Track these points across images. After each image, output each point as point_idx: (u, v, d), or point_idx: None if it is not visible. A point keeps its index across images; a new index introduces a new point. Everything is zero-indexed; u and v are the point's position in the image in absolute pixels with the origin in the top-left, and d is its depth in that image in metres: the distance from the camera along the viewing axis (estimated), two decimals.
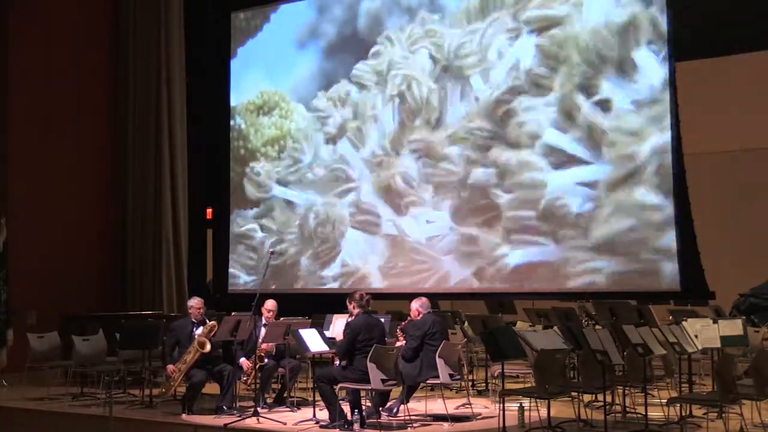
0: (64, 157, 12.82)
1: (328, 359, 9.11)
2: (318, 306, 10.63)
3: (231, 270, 14.46)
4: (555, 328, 8.52)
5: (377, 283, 12.89)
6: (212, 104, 15.01)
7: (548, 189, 11.75)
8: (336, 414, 7.68)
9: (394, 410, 8.20)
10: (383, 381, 7.51)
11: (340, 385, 7.74)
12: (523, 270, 11.86)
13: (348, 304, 8.03)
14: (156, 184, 13.39)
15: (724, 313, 10.39)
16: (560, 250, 11.61)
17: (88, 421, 8.77)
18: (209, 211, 15.25)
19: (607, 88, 11.44)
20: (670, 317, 9.73)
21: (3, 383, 10.96)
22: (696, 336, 7.81)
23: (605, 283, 11.33)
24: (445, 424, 7.87)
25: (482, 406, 8.81)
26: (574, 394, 7.75)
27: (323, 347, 8.40)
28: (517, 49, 12.07)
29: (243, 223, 14.41)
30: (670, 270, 10.95)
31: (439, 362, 7.96)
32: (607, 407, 7.56)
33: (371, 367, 7.41)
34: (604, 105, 11.46)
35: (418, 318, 8.34)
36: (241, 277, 14.38)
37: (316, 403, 8.09)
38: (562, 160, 11.69)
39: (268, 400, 8.87)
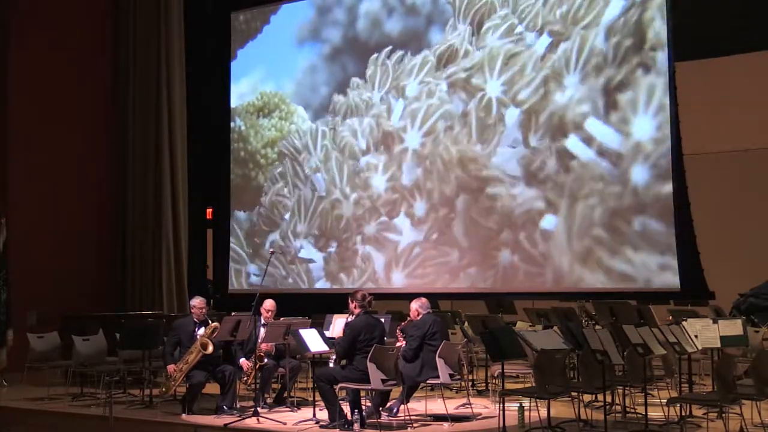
0: (64, 157, 12.83)
1: (328, 359, 9.11)
2: (318, 306, 10.64)
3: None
4: (555, 328, 8.52)
5: (378, 283, 12.89)
6: (212, 105, 15.01)
7: (547, 187, 11.75)
8: (336, 414, 7.68)
9: (394, 410, 8.20)
10: (383, 381, 7.52)
11: (340, 385, 7.74)
12: (523, 269, 11.85)
13: (350, 303, 8.02)
14: (156, 184, 13.39)
15: (724, 313, 10.39)
16: (560, 249, 11.60)
17: (88, 421, 8.77)
18: (209, 211, 15.27)
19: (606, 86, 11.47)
20: (670, 317, 9.72)
21: (3, 383, 10.97)
22: (696, 336, 7.81)
23: (605, 283, 11.32)
24: (445, 424, 7.88)
25: (482, 406, 8.81)
26: (574, 394, 7.75)
27: (323, 347, 8.40)
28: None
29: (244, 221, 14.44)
30: (670, 270, 10.94)
31: (439, 362, 7.96)
32: (607, 407, 7.56)
33: (371, 367, 7.41)
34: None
35: (418, 318, 8.34)
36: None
37: (316, 403, 8.10)
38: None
39: (268, 400, 8.87)
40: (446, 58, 12.68)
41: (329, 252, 13.49)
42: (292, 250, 13.78)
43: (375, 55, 13.33)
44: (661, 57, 11.10)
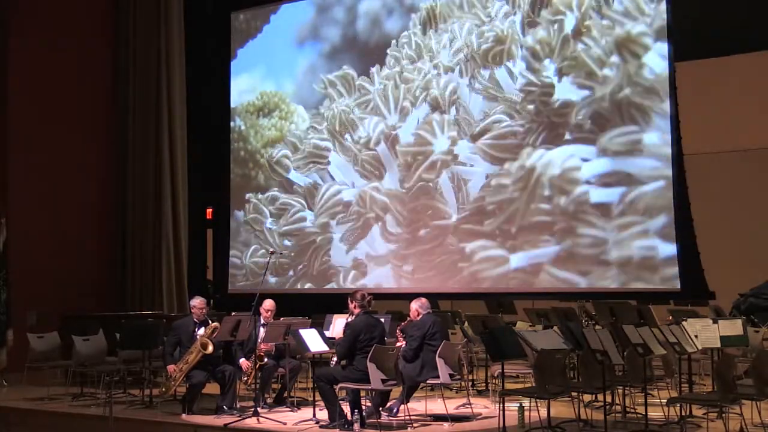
0: (64, 157, 12.82)
1: (328, 359, 9.12)
2: (318, 306, 10.64)
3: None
4: (555, 328, 8.53)
5: (379, 283, 12.88)
6: (212, 105, 15.01)
7: (546, 188, 11.73)
8: (336, 414, 7.69)
9: (394, 410, 8.20)
10: (383, 381, 7.52)
11: (340, 385, 7.74)
12: (523, 269, 11.84)
13: (349, 303, 8.03)
14: (156, 184, 13.40)
15: (724, 313, 10.40)
16: (560, 249, 11.59)
17: (88, 421, 8.78)
18: (209, 211, 15.27)
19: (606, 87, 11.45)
20: (670, 317, 9.73)
21: (3, 383, 10.98)
22: (696, 336, 7.81)
23: (605, 283, 11.31)
24: (445, 424, 7.88)
25: (482, 406, 8.82)
26: (574, 394, 7.75)
27: (323, 347, 8.41)
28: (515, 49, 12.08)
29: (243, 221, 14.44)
30: (670, 270, 10.93)
31: (439, 362, 7.96)
32: (607, 407, 7.56)
33: (371, 367, 7.41)
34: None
35: (418, 318, 8.34)
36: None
37: (316, 403, 8.10)
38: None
39: (268, 400, 8.88)
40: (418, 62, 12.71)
41: (309, 261, 13.53)
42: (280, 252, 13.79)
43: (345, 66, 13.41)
44: (661, 57, 11.09)
